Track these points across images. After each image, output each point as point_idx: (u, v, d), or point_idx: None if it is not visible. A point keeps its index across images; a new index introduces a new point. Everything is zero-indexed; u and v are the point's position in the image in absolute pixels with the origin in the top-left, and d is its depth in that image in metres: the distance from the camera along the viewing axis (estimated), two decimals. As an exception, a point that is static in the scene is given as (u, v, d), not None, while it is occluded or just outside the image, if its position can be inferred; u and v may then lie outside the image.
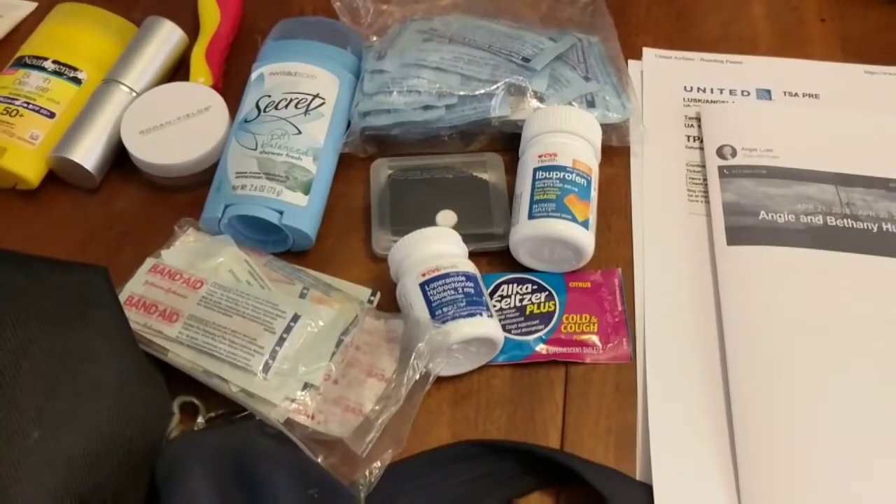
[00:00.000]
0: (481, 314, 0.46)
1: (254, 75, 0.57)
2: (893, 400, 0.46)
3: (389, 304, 0.51)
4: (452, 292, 0.47)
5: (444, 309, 0.46)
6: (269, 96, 0.55)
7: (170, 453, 0.40)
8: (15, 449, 0.36)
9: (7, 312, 0.38)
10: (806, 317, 0.49)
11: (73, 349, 0.38)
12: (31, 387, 0.37)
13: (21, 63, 0.58)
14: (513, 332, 0.49)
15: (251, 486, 0.36)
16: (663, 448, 0.46)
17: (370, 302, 0.51)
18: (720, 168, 0.56)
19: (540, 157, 0.52)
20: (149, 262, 0.50)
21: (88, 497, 0.38)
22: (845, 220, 0.53)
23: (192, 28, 0.63)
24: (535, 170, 0.51)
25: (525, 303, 0.51)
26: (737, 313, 0.49)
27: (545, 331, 0.50)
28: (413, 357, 0.45)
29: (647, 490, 0.45)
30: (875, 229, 0.53)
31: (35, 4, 0.66)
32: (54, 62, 0.58)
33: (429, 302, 0.46)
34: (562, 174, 0.51)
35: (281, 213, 0.51)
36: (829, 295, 0.50)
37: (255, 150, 0.53)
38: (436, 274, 0.47)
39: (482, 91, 0.55)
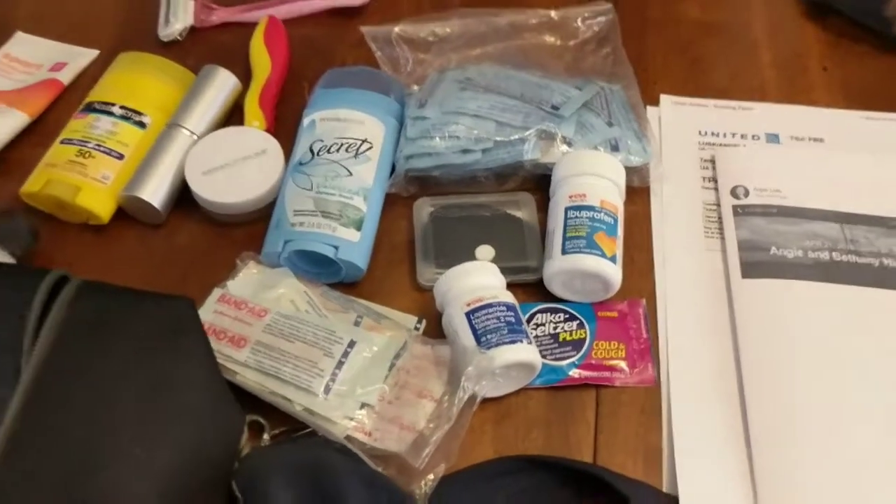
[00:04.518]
0: (522, 341, 0.51)
1: (306, 121, 0.62)
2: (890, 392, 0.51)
3: (434, 330, 0.55)
4: (495, 321, 0.51)
5: (489, 336, 0.51)
6: (322, 141, 0.60)
7: (248, 466, 0.45)
8: (121, 464, 0.40)
9: (109, 341, 0.43)
10: (815, 344, 0.54)
11: (166, 373, 0.43)
12: (133, 408, 0.42)
13: (91, 108, 0.63)
14: (548, 357, 0.54)
15: (328, 494, 0.41)
16: (687, 464, 0.50)
17: (417, 329, 0.56)
18: (734, 207, 0.61)
19: (570, 197, 0.57)
20: (216, 292, 0.55)
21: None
22: (849, 256, 0.58)
23: (243, 75, 0.68)
24: (567, 209, 0.56)
25: (558, 330, 0.55)
26: (752, 341, 0.54)
27: (577, 356, 0.55)
28: (463, 380, 0.49)
29: (673, 501, 0.49)
30: (877, 264, 0.58)
31: (97, 52, 0.71)
32: (121, 107, 0.63)
33: (474, 330, 0.51)
34: (591, 213, 0.56)
35: (336, 248, 0.56)
36: (835, 324, 0.55)
37: (311, 190, 0.58)
38: (479, 304, 0.52)
39: (516, 136, 0.60)
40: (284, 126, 0.65)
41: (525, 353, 0.51)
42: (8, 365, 0.42)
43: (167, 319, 0.45)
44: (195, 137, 0.62)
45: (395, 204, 0.62)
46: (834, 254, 0.58)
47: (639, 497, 0.48)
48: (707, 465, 0.50)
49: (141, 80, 0.65)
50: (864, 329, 0.55)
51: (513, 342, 0.51)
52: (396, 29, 0.69)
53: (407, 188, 0.61)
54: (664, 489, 0.50)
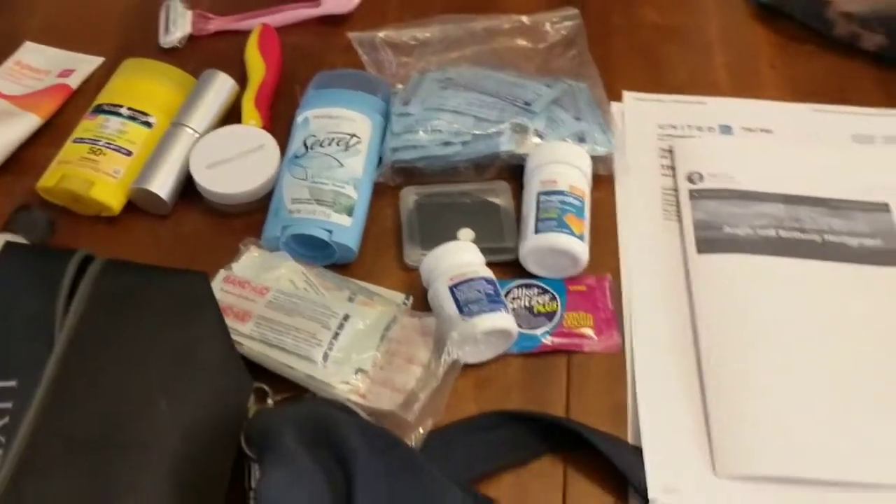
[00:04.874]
0: (500, 310, 0.57)
1: (299, 119, 0.68)
2: (833, 365, 0.57)
3: (421, 305, 0.61)
4: (476, 293, 0.57)
5: (471, 306, 0.56)
6: (315, 136, 0.66)
7: (258, 423, 0.50)
8: (150, 414, 0.45)
9: (134, 311, 0.48)
10: (763, 309, 0.60)
11: (185, 339, 0.49)
12: (157, 368, 0.47)
13: (100, 110, 0.69)
14: (524, 327, 0.60)
15: (332, 441, 0.46)
16: (650, 419, 0.56)
17: (405, 304, 0.61)
18: (690, 191, 0.67)
19: (542, 183, 0.63)
20: (222, 273, 0.60)
21: (196, 459, 0.47)
22: (794, 233, 0.64)
23: (239, 79, 0.73)
24: (539, 194, 0.62)
25: (533, 303, 0.61)
26: (707, 308, 0.60)
27: (550, 326, 0.60)
28: (448, 344, 0.55)
29: (638, 451, 0.55)
30: (819, 240, 0.64)
31: (102, 59, 0.77)
32: (129, 109, 0.68)
33: (457, 301, 0.57)
34: (561, 197, 0.62)
35: (330, 231, 0.61)
36: (781, 291, 0.61)
37: (306, 180, 0.63)
38: (462, 279, 0.58)
39: (492, 130, 0.66)
40: (279, 125, 0.71)
41: (503, 320, 0.57)
42: (43, 333, 0.47)
43: (184, 292, 0.50)
44: (198, 135, 0.68)
45: (382, 193, 0.67)
46: (780, 231, 0.64)
47: (609, 447, 0.54)
48: (667, 419, 0.56)
49: (146, 84, 0.71)
50: (806, 295, 0.61)
51: (492, 311, 0.57)
52: (381, 34, 0.75)
53: (393, 178, 0.67)
54: (629, 441, 0.56)
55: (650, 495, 0.53)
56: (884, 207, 0.66)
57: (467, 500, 0.48)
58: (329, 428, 0.47)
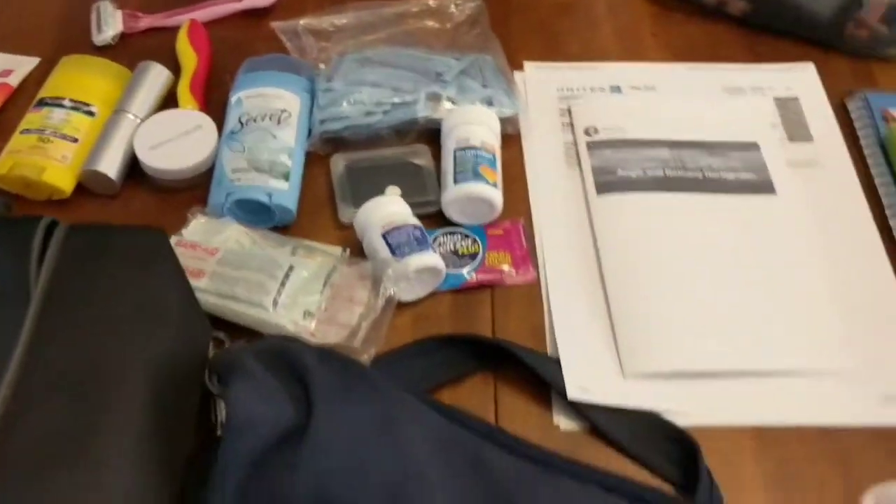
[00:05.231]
0: (429, 251, 0.65)
1: (233, 99, 0.74)
2: (716, 275, 0.67)
3: (358, 257, 0.68)
4: (406, 237, 0.64)
5: (402, 248, 0.64)
6: (248, 113, 0.72)
7: (220, 357, 0.56)
8: (122, 355, 0.51)
9: (100, 265, 0.54)
10: (655, 235, 0.69)
11: (150, 286, 0.54)
12: (125, 313, 0.53)
13: (43, 103, 0.73)
14: (450, 267, 0.67)
15: (291, 363, 0.52)
16: (564, 336, 0.64)
17: (343, 255, 0.68)
18: (587, 143, 0.76)
19: (457, 140, 0.71)
20: (173, 238, 0.65)
21: (166, 394, 0.53)
22: (678, 171, 0.74)
23: (172, 71, 0.79)
24: (455, 150, 0.70)
25: (457, 247, 0.69)
26: (608, 239, 0.69)
27: (473, 265, 0.68)
28: (384, 282, 0.62)
29: (556, 361, 0.63)
30: (700, 176, 0.74)
31: (39, 59, 0.81)
32: (71, 100, 0.74)
33: (390, 246, 0.64)
34: (475, 152, 0.70)
35: (270, 195, 0.68)
36: (670, 219, 0.70)
37: (244, 152, 0.69)
38: (393, 226, 0.65)
39: (409, 99, 0.74)
40: (213, 109, 0.76)
41: (432, 259, 0.64)
42: (20, 290, 0.52)
43: (145, 246, 0.56)
44: (139, 120, 0.73)
45: (314, 162, 0.74)
46: (667, 171, 0.74)
47: (533, 360, 0.62)
48: (579, 334, 0.65)
49: (85, 78, 0.76)
50: (692, 221, 0.70)
51: (421, 252, 0.64)
52: (301, 22, 0.82)
53: (323, 148, 0.74)
54: (549, 354, 0.64)
55: (569, 395, 0.61)
56: (754, 146, 0.76)
57: (420, 406, 0.55)
58: (286, 353, 0.54)
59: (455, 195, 0.69)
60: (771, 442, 0.61)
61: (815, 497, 0.58)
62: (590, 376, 0.62)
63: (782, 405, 0.62)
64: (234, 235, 0.67)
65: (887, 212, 0.72)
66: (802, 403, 0.62)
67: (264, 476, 0.50)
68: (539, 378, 0.62)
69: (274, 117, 0.72)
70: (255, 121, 0.72)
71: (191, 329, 0.57)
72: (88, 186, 0.71)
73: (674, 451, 0.59)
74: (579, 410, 0.61)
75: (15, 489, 0.46)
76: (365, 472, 0.50)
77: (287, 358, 0.53)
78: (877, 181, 0.74)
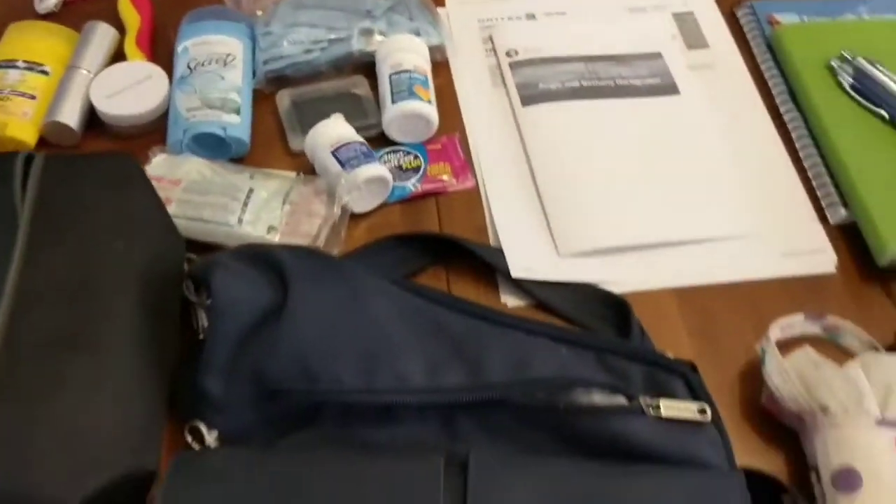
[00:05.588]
0: (375, 163, 0.71)
1: (179, 49, 0.79)
2: (630, 164, 0.75)
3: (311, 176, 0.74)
4: (354, 152, 0.71)
5: (352, 162, 0.70)
6: (196, 59, 0.77)
7: (197, 265, 0.61)
8: (107, 262, 0.57)
9: (80, 187, 0.59)
10: (577, 135, 0.78)
11: (126, 202, 0.60)
12: (107, 225, 0.58)
13: (-3, 66, 0.78)
14: (396, 181, 0.74)
15: (265, 257, 0.58)
16: (504, 227, 0.72)
17: (298, 177, 0.74)
18: (510, 63, 0.83)
19: (391, 66, 0.77)
20: (139, 174, 0.71)
21: (150, 297, 0.59)
22: (593, 81, 0.82)
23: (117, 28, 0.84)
24: (391, 75, 0.77)
25: (401, 162, 0.76)
26: (535, 143, 0.77)
27: (417, 177, 0.75)
28: (338, 191, 0.69)
29: (499, 250, 0.70)
30: (612, 84, 0.82)
31: (-15, 29, 0.85)
32: (24, 62, 0.78)
33: (340, 161, 0.71)
34: (408, 74, 0.77)
35: (224, 129, 0.74)
36: (588, 122, 0.79)
37: (196, 93, 0.75)
38: (340, 144, 0.72)
39: (344, 35, 0.80)
40: (160, 62, 0.81)
41: (379, 170, 0.71)
42: (8, 213, 0.57)
43: (118, 167, 0.61)
44: (91, 75, 0.78)
45: (261, 101, 0.80)
46: (582, 82, 0.82)
47: (481, 251, 0.69)
48: (517, 226, 0.72)
49: (35, 41, 0.80)
50: (607, 122, 0.79)
51: (369, 164, 0.71)
52: (235, -23, 0.87)
53: (268, 86, 0.80)
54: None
55: (513, 275, 0.68)
56: (657, 55, 0.85)
57: (383, 283, 0.61)
58: (260, 250, 0.60)
59: (394, 114, 0.75)
60: (691, 299, 0.69)
61: (731, 339, 0.67)
62: (530, 259, 0.70)
63: (698, 267, 0.71)
64: (194, 167, 0.72)
65: (777, 99, 0.82)
66: (716, 264, 0.71)
67: (249, 353, 0.56)
68: (486, 265, 0.69)
69: (220, 61, 0.78)
70: (202, 65, 0.77)
71: (167, 240, 0.63)
72: (50, 139, 0.76)
73: (609, 314, 0.67)
74: (523, 288, 0.69)
75: (29, 373, 0.51)
76: (338, 340, 0.57)
77: (261, 254, 0.60)
78: (766, 75, 0.84)
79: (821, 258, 0.72)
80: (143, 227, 0.61)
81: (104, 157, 0.62)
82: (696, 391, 0.59)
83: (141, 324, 0.57)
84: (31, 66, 0.78)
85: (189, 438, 0.57)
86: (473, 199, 0.75)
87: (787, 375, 0.60)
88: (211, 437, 0.56)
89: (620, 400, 0.57)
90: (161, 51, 0.83)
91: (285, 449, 0.56)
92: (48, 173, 0.60)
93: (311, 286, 0.58)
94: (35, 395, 0.51)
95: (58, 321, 0.54)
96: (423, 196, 0.75)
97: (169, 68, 0.79)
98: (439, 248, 0.70)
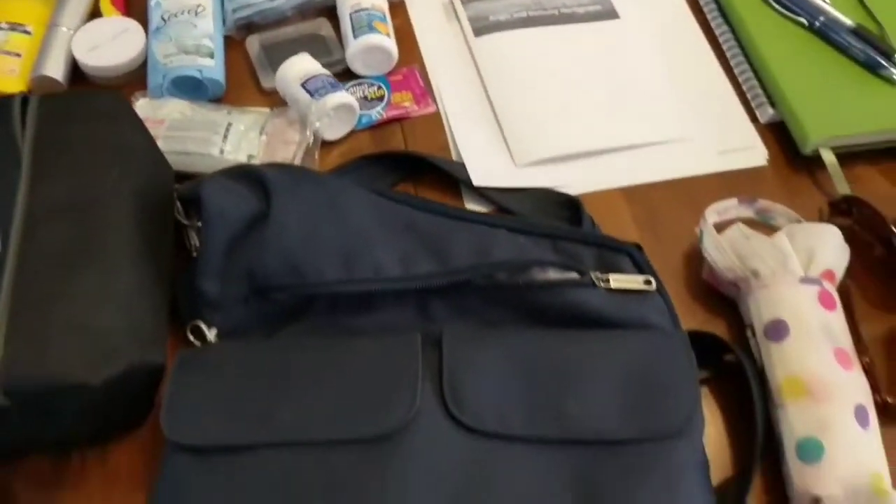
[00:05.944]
0: (342, 91, 0.78)
1: (152, 3, 0.85)
2: (578, 81, 0.82)
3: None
4: (322, 83, 0.77)
5: (320, 91, 0.77)
6: (168, 11, 0.83)
7: (186, 188, 0.68)
8: (108, 181, 0.63)
9: (74, 121, 0.65)
10: (526, 60, 0.84)
11: (118, 133, 0.66)
12: (104, 155, 0.64)
13: (-19, 29, 0.83)
14: (363, 110, 0.81)
15: (248, 173, 0.64)
16: (464, 144, 0.79)
17: (272, 111, 0.80)
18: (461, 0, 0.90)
19: (351, 6, 0.84)
20: (124, 116, 0.77)
21: (146, 218, 0.65)
22: (539, 11, 0.89)
23: (91, -8, 0.89)
24: (351, 14, 0.83)
25: (366, 93, 0.82)
26: (488, 67, 0.84)
27: (382, 105, 0.82)
28: (309, 118, 0.75)
29: (462, 165, 0.77)
30: (557, 13, 0.89)
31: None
32: (6, 23, 0.83)
33: (309, 91, 0.77)
34: (367, 11, 0.83)
35: (200, 71, 0.79)
36: (536, 48, 0.85)
37: (171, 41, 0.81)
38: (308, 76, 0.78)
39: (306, -19, 0.86)
40: (135, 16, 0.87)
41: (346, 97, 0.78)
42: (11, 147, 0.63)
43: (107, 103, 0.67)
44: (72, 32, 0.84)
45: (232, 48, 0.86)
46: (529, 12, 0.88)
47: (441, 163, 0.76)
48: (477, 142, 0.79)
49: (14, 3, 0.86)
50: (553, 47, 0.86)
51: (335, 92, 0.77)
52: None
53: (238, 33, 0.86)
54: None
55: (474, 183, 0.75)
56: (598, -15, 0.92)
57: (358, 189, 0.68)
58: (243, 168, 0.66)
59: (357, 48, 0.82)
60: (637, 196, 0.77)
61: (674, 228, 0.74)
62: (489, 169, 0.77)
63: (643, 168, 0.78)
64: (176, 108, 0.78)
65: (708, 16, 0.89)
66: (658, 164, 0.78)
67: (240, 255, 0.63)
68: (450, 177, 0.76)
69: (191, 11, 0.83)
70: (175, 16, 0.83)
71: (157, 169, 0.69)
72: (37, 93, 0.81)
73: (563, 213, 0.74)
74: (485, 196, 0.75)
75: (43, 281, 0.57)
76: (319, 239, 0.63)
77: (245, 171, 0.66)
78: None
79: (753, 153, 0.79)
80: (134, 156, 0.66)
81: (95, 94, 0.68)
82: (641, 267, 0.66)
83: (140, 238, 0.63)
84: (14, 27, 0.83)
85: (191, 337, 0.63)
86: (435, 123, 0.82)
87: (723, 249, 0.67)
88: (211, 335, 0.63)
89: (573, 276, 0.64)
90: (135, 7, 0.89)
91: (278, 340, 0.63)
92: (44, 112, 0.65)
93: (292, 194, 0.64)
94: (50, 299, 0.57)
95: (64, 238, 0.60)
96: (389, 122, 0.81)
97: (144, 22, 0.85)
98: (406, 165, 0.77)
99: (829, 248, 0.66)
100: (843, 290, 0.68)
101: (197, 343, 0.63)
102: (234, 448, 0.56)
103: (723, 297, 0.70)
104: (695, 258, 0.72)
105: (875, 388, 0.63)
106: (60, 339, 0.55)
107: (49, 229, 0.60)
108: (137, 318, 0.60)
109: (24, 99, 0.67)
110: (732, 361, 0.64)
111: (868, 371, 0.64)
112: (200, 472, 0.55)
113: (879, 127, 0.77)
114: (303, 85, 0.77)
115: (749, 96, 0.82)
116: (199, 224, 0.64)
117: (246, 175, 0.65)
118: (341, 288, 0.62)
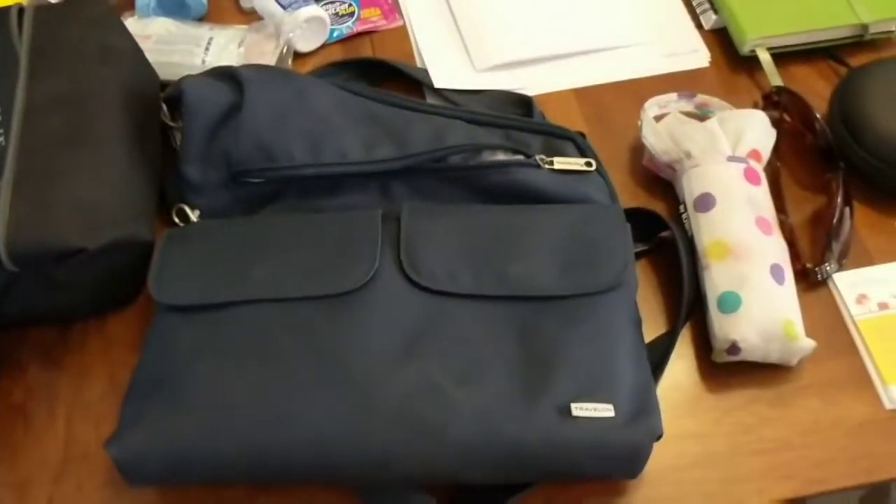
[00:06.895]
0: (313, 5, 0.84)
1: (137, -69, 0.91)
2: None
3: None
4: (294, -2, 0.84)
5: (292, 6, 0.83)
6: (152, -62, 0.89)
7: (169, 89, 0.74)
8: (99, 79, 0.69)
9: (68, 26, 0.71)
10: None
11: (106, 37, 0.72)
12: (95, 52, 0.71)
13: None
14: (334, 25, 0.87)
15: (224, 72, 0.71)
16: (427, 50, 0.85)
17: (248, 29, 0.87)
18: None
19: (322, -72, 0.90)
20: (114, 32, 0.83)
21: (135, 114, 0.71)
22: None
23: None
24: (322, -64, 0.89)
25: (337, 10, 0.88)
26: (451, -16, 0.90)
27: (353, 20, 0.88)
28: (283, 28, 0.82)
29: (425, 71, 0.83)
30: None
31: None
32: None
33: (282, 5, 0.83)
34: (337, -67, 0.89)
35: (183, -10, 0.86)
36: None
37: (154, -35, 0.87)
38: (282, -8, 0.84)
39: None
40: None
41: (317, 10, 0.84)
42: (10, 49, 0.70)
43: (98, 13, 0.74)
44: (64, -41, 0.90)
45: (213, -28, 0.93)
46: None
47: (404, 67, 0.82)
48: (439, 49, 0.85)
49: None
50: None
51: (307, 5, 0.83)
52: None
53: (218, -42, 0.92)
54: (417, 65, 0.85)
55: (436, 85, 0.82)
56: None
57: (324, 82, 0.74)
58: (221, 68, 0.73)
59: (327, -33, 0.88)
60: (587, 96, 0.83)
61: (621, 122, 0.80)
62: (451, 73, 0.83)
63: (593, 71, 0.84)
64: (162, 26, 0.85)
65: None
66: (608, 68, 0.84)
67: (218, 142, 0.69)
68: (414, 81, 0.83)
69: (173, -63, 0.90)
70: (158, -58, 0.89)
71: (144, 72, 0.76)
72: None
73: (518, 110, 0.80)
74: (446, 98, 0.82)
75: (43, 162, 0.64)
76: (288, 126, 0.70)
77: (222, 70, 0.72)
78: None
79: (696, 56, 0.85)
80: (124, 58, 0.73)
81: (85, 2, 0.74)
82: (584, 151, 0.73)
83: (130, 128, 0.69)
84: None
85: (176, 219, 0.70)
86: (402, 35, 0.88)
87: (660, 134, 0.74)
88: (194, 216, 0.70)
89: (520, 158, 0.71)
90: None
91: (254, 217, 0.70)
92: (39, 18, 0.72)
93: (263, 86, 0.70)
94: (49, 177, 0.64)
95: (61, 124, 0.66)
96: (359, 35, 0.88)
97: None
98: (373, 71, 0.84)
99: (756, 130, 0.73)
100: (774, 171, 0.75)
101: (182, 224, 0.70)
102: (215, 305, 0.63)
103: (661, 181, 0.76)
104: (639, 149, 0.78)
105: (797, 256, 0.70)
106: (60, 211, 0.62)
107: (47, 117, 0.67)
108: (127, 195, 0.67)
109: (21, 9, 0.73)
110: (668, 238, 0.71)
111: (791, 242, 0.70)
112: (185, 327, 0.62)
113: (810, 27, 0.82)
114: (277, 0, 0.84)
115: (694, 3, 0.88)
116: (181, 123, 0.71)
117: (223, 73, 0.72)
118: (310, 171, 0.69)
